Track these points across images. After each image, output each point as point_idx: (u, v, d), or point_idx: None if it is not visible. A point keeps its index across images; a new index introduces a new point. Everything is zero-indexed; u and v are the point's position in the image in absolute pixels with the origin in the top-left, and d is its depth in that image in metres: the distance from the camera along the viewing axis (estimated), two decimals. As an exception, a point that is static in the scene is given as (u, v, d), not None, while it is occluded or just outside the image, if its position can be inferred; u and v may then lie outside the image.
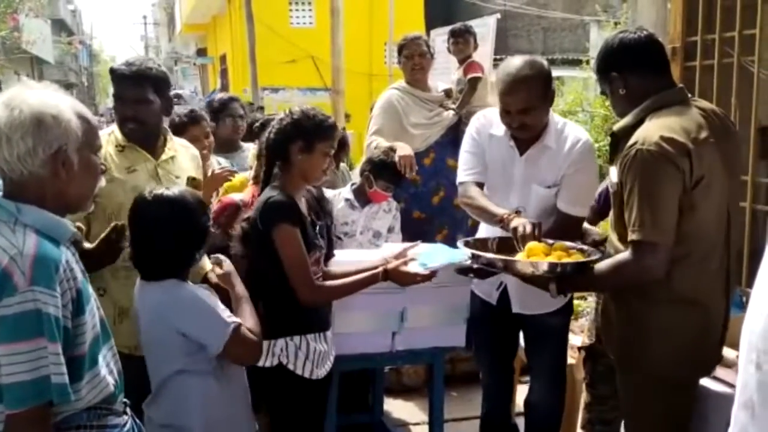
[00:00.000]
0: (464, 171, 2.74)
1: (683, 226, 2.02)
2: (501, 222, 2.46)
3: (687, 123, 2.06)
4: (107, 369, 1.60)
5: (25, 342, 1.38)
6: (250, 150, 3.90)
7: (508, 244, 2.44)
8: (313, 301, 2.32)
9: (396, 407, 3.74)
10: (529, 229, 2.33)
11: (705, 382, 2.35)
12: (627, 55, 2.17)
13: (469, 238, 2.53)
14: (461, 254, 2.44)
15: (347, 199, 3.42)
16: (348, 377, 3.03)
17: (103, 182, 1.67)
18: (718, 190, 2.08)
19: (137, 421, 1.76)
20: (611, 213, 2.26)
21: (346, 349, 2.61)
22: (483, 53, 5.37)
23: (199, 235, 2.09)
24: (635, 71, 2.15)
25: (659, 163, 1.97)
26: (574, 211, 2.60)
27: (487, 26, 6.76)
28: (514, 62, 2.52)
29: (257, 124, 3.93)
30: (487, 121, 2.73)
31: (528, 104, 2.46)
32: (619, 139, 2.23)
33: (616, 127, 2.23)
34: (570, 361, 3.22)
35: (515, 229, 2.36)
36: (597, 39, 13.21)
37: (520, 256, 2.28)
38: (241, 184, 3.34)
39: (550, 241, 2.40)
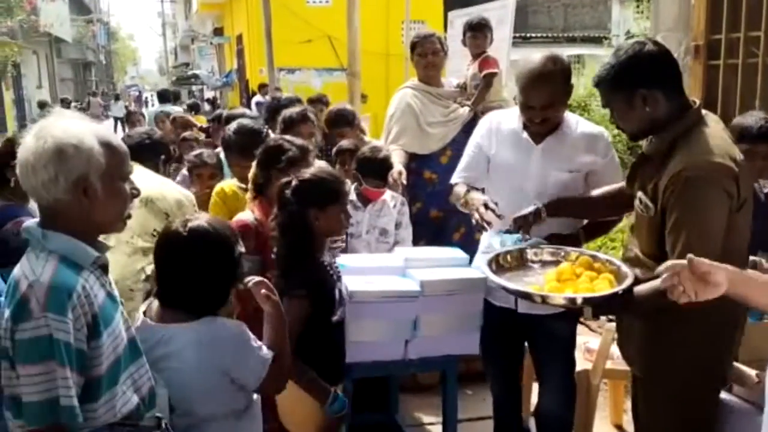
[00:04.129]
0: (457, 173, 2.89)
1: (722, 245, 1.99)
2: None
3: (725, 144, 2.03)
4: (133, 387, 1.67)
5: (38, 365, 1.49)
6: None
7: (522, 257, 2.43)
8: None
9: (411, 406, 3.73)
10: (488, 216, 2.49)
11: (727, 397, 2.33)
12: (655, 69, 2.08)
13: (490, 257, 2.43)
14: None
15: (350, 200, 3.38)
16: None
17: (135, 204, 1.76)
18: (750, 206, 2.06)
19: None
20: (640, 236, 2.21)
21: (359, 356, 2.60)
22: (501, 36, 5.26)
23: (234, 266, 1.94)
24: (662, 88, 2.07)
25: (709, 189, 1.94)
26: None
27: (506, 8, 6.60)
28: (537, 58, 2.55)
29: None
30: (496, 122, 2.80)
31: (552, 99, 2.52)
32: (641, 162, 2.18)
33: (647, 150, 2.17)
34: (586, 365, 3.19)
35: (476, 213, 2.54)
36: (619, 16, 12.96)
37: (548, 278, 2.25)
38: (232, 193, 3.21)
39: (570, 250, 2.39)
